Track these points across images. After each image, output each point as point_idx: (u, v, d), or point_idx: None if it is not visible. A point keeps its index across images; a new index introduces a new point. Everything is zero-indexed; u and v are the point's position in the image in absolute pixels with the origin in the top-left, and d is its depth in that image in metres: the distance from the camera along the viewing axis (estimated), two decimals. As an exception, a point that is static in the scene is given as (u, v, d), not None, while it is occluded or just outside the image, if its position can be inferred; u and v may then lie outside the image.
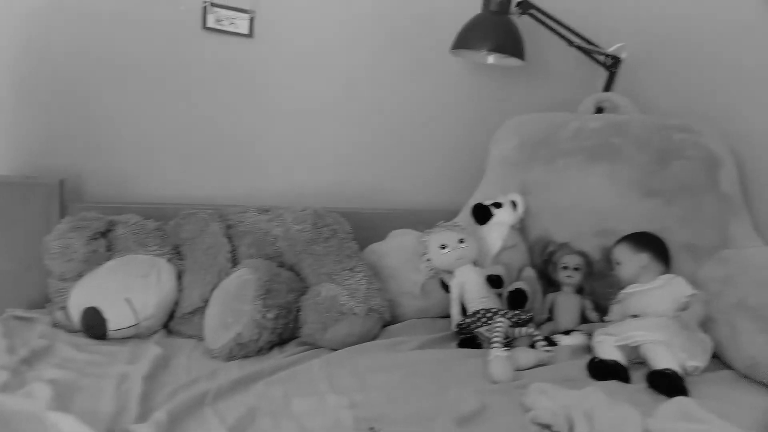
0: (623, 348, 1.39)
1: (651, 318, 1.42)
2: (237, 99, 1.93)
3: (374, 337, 1.51)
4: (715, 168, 1.71)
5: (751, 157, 1.78)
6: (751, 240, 1.66)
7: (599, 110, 2.06)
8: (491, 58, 2.06)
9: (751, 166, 1.78)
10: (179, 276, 1.55)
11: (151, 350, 1.35)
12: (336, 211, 1.76)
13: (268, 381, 1.22)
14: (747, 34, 1.81)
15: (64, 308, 1.48)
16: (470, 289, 1.58)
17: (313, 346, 1.45)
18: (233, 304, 1.40)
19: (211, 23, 1.87)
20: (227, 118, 1.93)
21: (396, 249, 1.75)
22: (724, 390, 1.32)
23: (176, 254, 1.59)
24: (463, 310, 1.60)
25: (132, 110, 1.83)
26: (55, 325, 1.47)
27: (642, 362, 1.39)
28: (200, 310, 1.48)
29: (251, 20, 1.89)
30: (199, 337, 1.46)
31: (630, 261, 1.55)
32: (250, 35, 1.90)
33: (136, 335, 1.45)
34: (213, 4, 1.84)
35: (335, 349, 1.42)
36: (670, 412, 1.08)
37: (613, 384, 1.28)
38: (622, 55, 2.17)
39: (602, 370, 1.33)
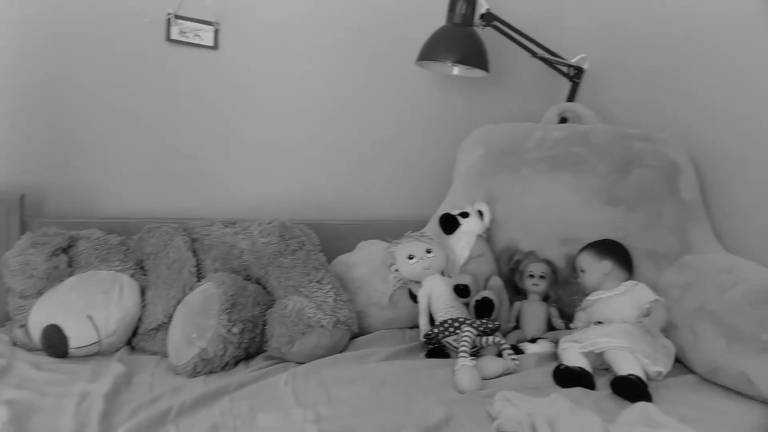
0: (588, 354, 1.42)
1: (615, 324, 1.44)
2: (202, 112, 1.91)
3: (342, 350, 1.51)
4: (675, 176, 1.75)
5: (710, 165, 1.83)
6: (711, 246, 1.70)
7: (563, 120, 2.10)
8: (456, 70, 2.08)
9: (711, 173, 1.82)
10: (143, 291, 1.52)
11: (114, 368, 1.32)
12: (304, 222, 1.76)
13: (233, 396, 1.21)
14: (705, 45, 1.86)
15: (24, 326, 1.44)
16: (438, 299, 1.58)
17: (280, 359, 1.43)
18: (197, 319, 1.38)
19: (175, 35, 1.85)
20: (192, 131, 1.91)
21: (364, 260, 1.75)
22: (686, 394, 1.34)
23: (140, 269, 1.56)
24: (432, 320, 1.60)
25: (95, 124, 1.80)
26: (15, 343, 1.44)
27: (607, 368, 1.42)
28: (164, 326, 1.46)
29: (216, 32, 1.88)
30: (164, 354, 1.44)
31: (593, 268, 1.58)
32: (215, 47, 1.89)
33: (99, 353, 1.42)
34: (177, 17, 1.82)
35: (302, 363, 1.41)
36: (631, 417, 1.09)
37: (577, 391, 1.29)
38: (585, 66, 2.22)
39: (567, 377, 1.34)
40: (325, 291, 1.54)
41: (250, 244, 1.62)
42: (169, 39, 1.84)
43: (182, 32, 1.86)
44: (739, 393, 1.33)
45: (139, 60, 1.82)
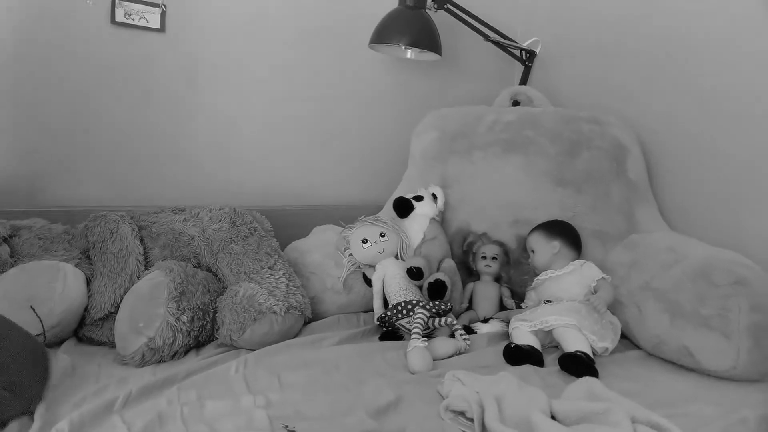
0: (538, 333, 1.44)
1: (563, 303, 1.47)
2: (149, 96, 1.86)
3: (295, 335, 1.50)
4: (623, 157, 1.79)
5: (656, 146, 1.87)
6: (656, 224, 1.75)
7: (515, 103, 2.12)
8: (409, 53, 2.08)
9: (657, 154, 1.87)
10: (88, 281, 1.48)
11: (59, 359, 1.29)
12: (257, 209, 1.74)
13: (181, 385, 1.18)
14: (653, 27, 1.89)
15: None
16: (391, 282, 1.59)
17: (232, 347, 1.42)
18: (145, 308, 1.35)
19: (120, 17, 1.80)
20: (138, 116, 1.86)
21: (318, 245, 1.74)
22: (631, 369, 1.38)
23: (85, 259, 1.52)
24: (386, 304, 1.61)
25: (37, 109, 1.74)
26: None
27: (556, 346, 1.45)
28: (112, 315, 1.43)
29: (162, 14, 1.84)
30: (111, 344, 1.41)
31: (543, 249, 1.60)
32: (161, 30, 1.84)
33: (44, 344, 1.38)
34: (122, -2, 1.77)
35: (254, 349, 1.40)
36: (576, 391, 1.12)
37: (526, 368, 1.32)
38: (537, 49, 2.24)
39: (517, 355, 1.36)
40: (277, 277, 1.53)
41: (200, 231, 1.59)
42: (113, 21, 1.79)
43: (127, 14, 1.81)
44: (681, 366, 1.37)
45: (82, 43, 1.76)
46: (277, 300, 1.45)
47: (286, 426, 0.99)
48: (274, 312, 1.42)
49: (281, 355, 1.36)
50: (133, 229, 1.54)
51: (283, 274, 1.54)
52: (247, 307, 1.40)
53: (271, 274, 1.53)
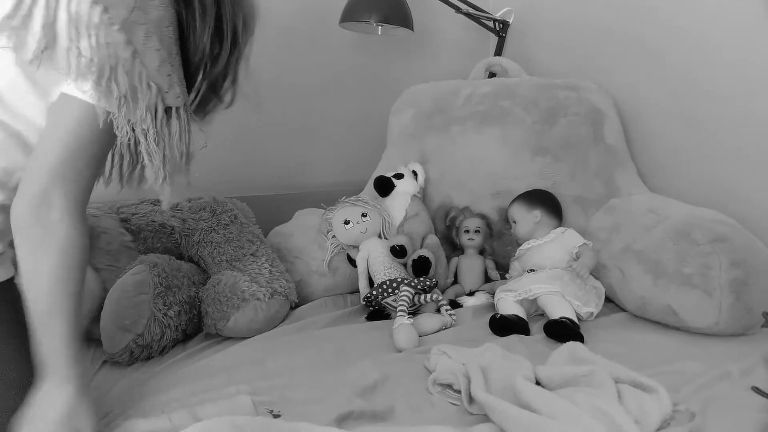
0: (523, 302, 1.45)
1: (546, 270, 1.48)
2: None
3: (281, 321, 1.50)
4: (600, 122, 1.79)
5: (632, 110, 1.87)
6: (636, 187, 1.75)
7: (492, 75, 2.11)
8: (381, 30, 2.06)
9: (633, 118, 1.87)
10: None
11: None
12: (239, 198, 1.73)
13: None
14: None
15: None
16: (375, 261, 1.59)
17: (218, 337, 1.42)
18: (130, 305, 1.34)
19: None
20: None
21: (300, 229, 1.74)
22: (617, 332, 1.39)
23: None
24: (372, 283, 1.61)
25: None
26: None
27: (542, 314, 1.46)
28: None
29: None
30: (98, 342, 1.40)
31: (524, 218, 1.61)
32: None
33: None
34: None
35: (244, 337, 1.40)
36: (560, 357, 1.13)
37: (513, 338, 1.33)
38: (510, 19, 2.23)
39: (503, 326, 1.37)
40: (260, 263, 1.52)
41: (181, 221, 1.58)
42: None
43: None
44: (666, 325, 1.39)
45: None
46: (261, 286, 1.44)
47: (271, 411, 0.99)
48: (258, 299, 1.41)
49: (266, 341, 1.36)
50: (114, 220, 1.53)
51: (266, 260, 1.53)
52: (229, 296, 1.39)
53: (254, 261, 1.52)
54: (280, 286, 1.48)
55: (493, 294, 1.54)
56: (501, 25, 2.22)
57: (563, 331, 1.30)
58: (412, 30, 1.96)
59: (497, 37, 2.24)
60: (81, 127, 0.83)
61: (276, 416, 0.98)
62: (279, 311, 1.47)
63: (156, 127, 0.85)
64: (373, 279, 1.59)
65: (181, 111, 0.89)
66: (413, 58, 2.27)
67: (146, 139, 0.85)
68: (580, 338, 1.29)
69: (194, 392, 1.09)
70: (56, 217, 0.81)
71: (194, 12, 0.89)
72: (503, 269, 1.71)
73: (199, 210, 1.59)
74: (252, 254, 1.53)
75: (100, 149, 0.87)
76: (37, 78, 0.83)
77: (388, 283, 1.50)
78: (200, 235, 1.55)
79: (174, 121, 0.88)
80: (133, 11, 0.80)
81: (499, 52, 2.23)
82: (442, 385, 1.10)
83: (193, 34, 0.90)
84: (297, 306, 1.58)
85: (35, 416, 0.83)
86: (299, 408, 1.01)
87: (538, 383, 1.03)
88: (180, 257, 1.55)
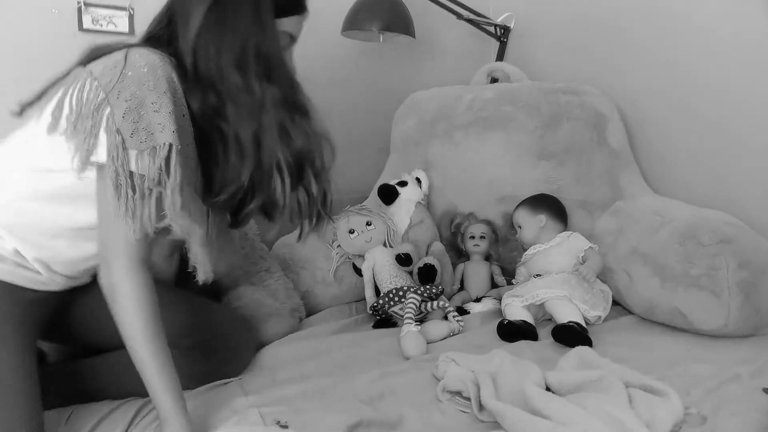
0: (530, 307, 1.45)
1: (553, 275, 1.48)
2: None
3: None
4: (603, 126, 1.79)
5: (635, 113, 1.87)
6: (641, 190, 1.75)
7: (494, 80, 2.11)
8: (382, 38, 2.06)
9: (636, 120, 1.87)
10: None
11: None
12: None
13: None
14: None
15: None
16: (381, 270, 1.59)
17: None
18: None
19: (87, 25, 1.77)
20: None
21: (306, 239, 1.73)
22: (625, 335, 1.39)
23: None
24: (378, 292, 1.61)
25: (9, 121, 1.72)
26: None
27: (549, 318, 1.45)
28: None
29: (130, 17, 1.81)
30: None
31: (529, 223, 1.60)
32: (131, 33, 1.82)
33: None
34: (87, 4, 1.75)
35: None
36: (569, 362, 1.12)
37: (521, 344, 1.32)
38: (511, 25, 2.23)
39: (511, 331, 1.37)
40: (275, 279, 1.54)
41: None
42: (81, 29, 1.76)
43: (95, 20, 1.79)
44: (674, 328, 1.38)
45: (51, 53, 1.73)
46: (281, 303, 1.47)
47: (278, 421, 0.99)
48: (279, 315, 1.44)
49: (275, 350, 1.36)
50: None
51: (279, 276, 1.56)
52: (254, 311, 1.41)
53: (269, 276, 1.54)
54: (295, 303, 1.51)
55: (500, 300, 1.54)
56: (502, 31, 2.22)
57: (571, 335, 1.30)
58: (414, 37, 1.97)
59: (499, 43, 2.24)
60: None
61: (284, 427, 0.98)
62: (294, 327, 1.49)
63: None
64: (380, 288, 1.59)
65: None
66: (415, 65, 2.28)
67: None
68: (588, 342, 1.28)
69: (204, 403, 1.09)
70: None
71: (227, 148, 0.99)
72: (509, 275, 1.71)
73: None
74: (266, 270, 1.54)
75: None
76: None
77: (394, 291, 1.50)
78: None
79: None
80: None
81: (500, 57, 2.23)
82: (451, 392, 1.10)
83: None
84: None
85: None
86: (308, 418, 1.01)
87: (547, 389, 1.03)
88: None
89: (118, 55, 0.92)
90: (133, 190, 0.90)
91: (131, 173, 0.90)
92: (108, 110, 0.89)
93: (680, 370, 1.15)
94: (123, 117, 0.89)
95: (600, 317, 1.43)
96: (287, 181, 1.03)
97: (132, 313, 0.93)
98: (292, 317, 1.48)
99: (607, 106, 1.82)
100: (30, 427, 0.92)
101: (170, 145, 0.90)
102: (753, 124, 1.56)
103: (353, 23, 1.91)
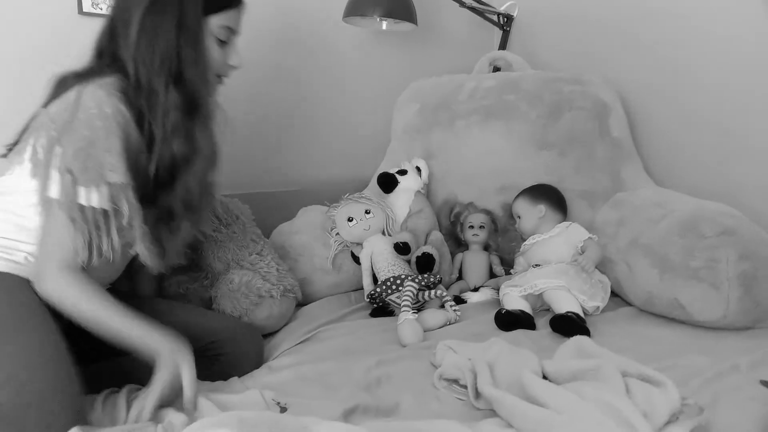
0: (528, 297, 1.44)
1: (551, 265, 1.47)
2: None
3: (290, 319, 1.50)
4: (605, 116, 1.77)
5: (637, 103, 1.86)
6: (642, 181, 1.74)
7: (496, 69, 2.09)
8: (384, 24, 2.05)
9: (638, 111, 1.86)
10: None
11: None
12: (241, 195, 1.71)
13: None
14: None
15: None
16: (379, 258, 1.58)
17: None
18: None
19: (87, 8, 1.75)
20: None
21: (304, 227, 1.73)
22: (623, 326, 1.38)
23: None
24: (376, 280, 1.60)
25: (8, 107, 1.70)
26: None
27: (548, 309, 1.45)
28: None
29: (129, 2, 1.79)
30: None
31: (529, 213, 1.60)
32: (129, 18, 1.80)
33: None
34: (87, -13, 1.73)
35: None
36: (566, 351, 1.12)
37: (518, 333, 1.32)
38: (514, 13, 2.22)
39: (509, 321, 1.36)
40: (267, 262, 1.52)
41: None
42: (81, 12, 1.74)
43: (95, 4, 1.77)
44: (673, 320, 1.38)
45: (50, 36, 1.72)
46: (272, 284, 1.45)
47: (278, 402, 0.99)
48: (272, 296, 1.43)
49: (272, 338, 1.36)
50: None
51: (272, 258, 1.54)
52: (246, 293, 1.40)
53: (261, 260, 1.52)
54: (289, 284, 1.49)
55: (498, 290, 1.54)
56: (505, 19, 2.21)
57: (569, 325, 1.30)
58: (416, 24, 1.95)
59: (501, 31, 2.23)
60: None
61: (283, 409, 0.98)
62: (289, 308, 1.49)
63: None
64: (377, 276, 1.59)
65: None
66: (417, 53, 2.26)
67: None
68: (586, 333, 1.28)
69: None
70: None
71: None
72: (508, 265, 1.70)
73: (201, 210, 1.58)
74: (258, 253, 1.53)
75: None
76: None
77: (392, 279, 1.50)
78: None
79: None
80: None
81: (503, 46, 2.22)
82: (448, 380, 1.10)
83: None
84: (301, 304, 1.58)
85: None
86: (305, 403, 1.00)
87: (545, 377, 1.02)
88: None
89: (72, 96, 1.01)
90: (85, 223, 0.99)
91: (82, 207, 0.98)
92: (60, 150, 0.98)
93: (678, 361, 1.14)
94: (73, 156, 0.97)
95: (598, 308, 1.43)
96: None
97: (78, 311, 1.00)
98: (285, 298, 1.46)
99: (610, 95, 1.81)
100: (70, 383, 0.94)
101: (122, 184, 1.00)
102: (756, 116, 1.55)
103: (355, 9, 1.89)
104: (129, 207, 1.01)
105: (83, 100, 0.99)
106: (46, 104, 1.10)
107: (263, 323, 1.42)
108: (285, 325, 1.47)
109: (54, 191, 0.98)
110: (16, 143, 1.12)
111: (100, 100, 0.99)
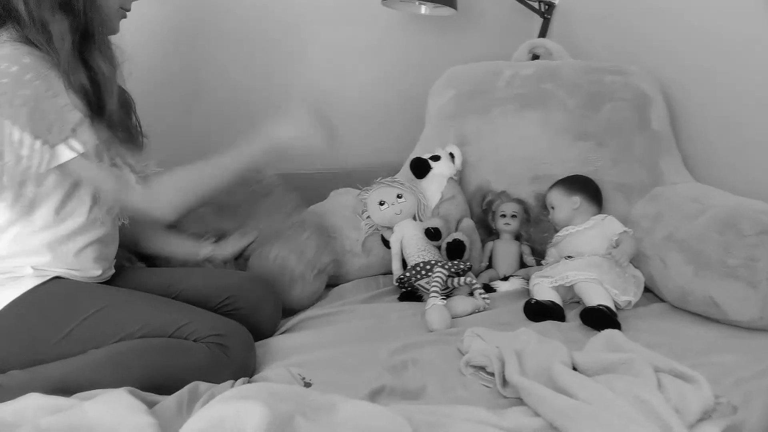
0: (559, 288, 1.43)
1: (584, 257, 1.45)
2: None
3: (320, 297, 1.53)
4: (646, 107, 1.73)
5: (680, 96, 1.81)
6: (681, 176, 1.70)
7: (535, 57, 2.06)
8: (424, 9, 2.03)
9: (681, 104, 1.81)
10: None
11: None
12: (275, 174, 1.73)
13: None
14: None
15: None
16: (409, 243, 1.58)
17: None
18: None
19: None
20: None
21: (336, 208, 1.73)
22: (654, 322, 1.36)
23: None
24: (405, 265, 1.60)
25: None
26: None
27: (578, 301, 1.43)
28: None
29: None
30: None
31: (563, 204, 1.57)
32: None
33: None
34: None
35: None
36: (597, 344, 1.11)
37: (547, 324, 1.31)
38: (556, 1, 2.17)
39: (538, 311, 1.35)
40: (305, 237, 1.53)
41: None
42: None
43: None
44: (706, 318, 1.35)
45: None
46: (306, 265, 1.47)
47: (303, 378, 1.00)
48: (304, 278, 1.45)
49: (300, 316, 1.37)
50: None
51: (311, 231, 1.55)
52: (281, 272, 1.43)
53: (299, 233, 1.53)
54: (323, 264, 1.51)
55: (528, 280, 1.52)
56: (546, 7, 2.17)
57: (600, 318, 1.28)
58: (456, 9, 1.93)
59: (542, 19, 2.19)
60: None
61: (307, 385, 0.99)
62: (320, 287, 1.52)
63: None
64: (407, 261, 1.58)
65: None
66: (455, 38, 2.23)
67: None
68: (617, 326, 1.26)
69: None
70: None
71: None
72: (539, 255, 1.68)
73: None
74: (297, 225, 1.54)
75: None
76: None
77: (421, 265, 1.49)
78: (239, 211, 1.56)
79: None
80: None
81: (543, 33, 2.18)
82: (474, 367, 1.10)
83: None
84: (330, 285, 1.59)
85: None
86: (331, 381, 1.02)
87: (574, 369, 1.02)
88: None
89: None
90: (99, 156, 1.05)
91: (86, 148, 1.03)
92: (8, 122, 0.98)
93: (710, 359, 1.13)
94: (29, 120, 0.98)
95: (630, 302, 1.41)
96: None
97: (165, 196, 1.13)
98: (316, 279, 1.49)
99: (652, 87, 1.76)
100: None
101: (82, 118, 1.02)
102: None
103: (395, -8, 1.88)
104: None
105: None
106: None
107: (297, 301, 1.45)
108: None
109: (61, 158, 1.02)
110: None
111: (10, 56, 0.99)
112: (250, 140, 1.19)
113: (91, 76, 1.06)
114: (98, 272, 1.17)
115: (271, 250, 1.47)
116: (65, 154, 1.02)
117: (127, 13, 1.18)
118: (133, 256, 1.44)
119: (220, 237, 1.52)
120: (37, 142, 0.99)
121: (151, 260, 1.47)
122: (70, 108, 1.01)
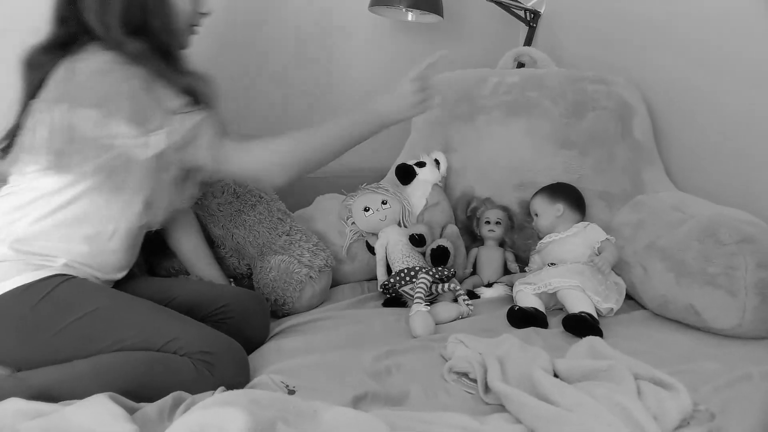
0: (542, 295, 1.44)
1: (567, 265, 1.46)
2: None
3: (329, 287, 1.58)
4: (629, 117, 1.76)
5: (662, 106, 1.83)
6: (663, 185, 1.72)
7: (520, 65, 2.08)
8: (410, 15, 2.04)
9: (663, 114, 1.83)
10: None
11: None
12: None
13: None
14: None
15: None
16: (394, 249, 1.58)
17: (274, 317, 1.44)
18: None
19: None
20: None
21: (321, 214, 1.74)
22: (636, 329, 1.38)
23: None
24: (390, 271, 1.61)
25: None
26: None
27: (561, 308, 1.44)
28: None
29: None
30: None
31: (546, 212, 1.59)
32: None
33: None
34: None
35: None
36: (579, 351, 1.12)
37: (530, 330, 1.32)
38: (541, 9, 2.20)
39: (521, 318, 1.36)
40: (298, 243, 1.55)
41: (200, 207, 1.57)
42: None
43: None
44: (687, 325, 1.37)
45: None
46: (308, 266, 1.49)
47: (287, 385, 1.00)
48: (311, 277, 1.48)
49: (283, 323, 1.37)
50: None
51: (301, 237, 1.57)
52: (286, 280, 1.45)
53: (291, 242, 1.55)
54: (322, 260, 1.53)
55: (512, 286, 1.53)
56: (532, 15, 2.19)
57: (582, 325, 1.29)
58: (442, 16, 1.94)
59: (527, 27, 2.21)
60: None
61: (291, 392, 0.99)
62: (328, 281, 1.56)
63: None
64: (391, 267, 1.58)
65: None
66: (441, 45, 2.24)
67: None
68: (599, 334, 1.27)
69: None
70: None
71: None
72: (523, 262, 1.69)
73: (222, 194, 1.58)
74: (287, 234, 1.55)
75: None
76: None
77: (406, 271, 1.50)
78: (227, 219, 1.55)
79: None
80: None
81: (528, 42, 2.20)
82: (457, 373, 1.10)
83: None
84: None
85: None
86: (315, 387, 1.01)
87: (555, 376, 1.02)
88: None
89: (63, 73, 1.07)
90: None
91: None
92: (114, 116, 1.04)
93: (689, 367, 1.14)
94: (134, 113, 1.04)
95: (612, 310, 1.42)
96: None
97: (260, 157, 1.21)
98: (323, 274, 1.52)
99: (635, 97, 1.79)
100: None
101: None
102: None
103: (381, -1, 1.89)
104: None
105: (82, 67, 1.04)
106: (28, 91, 1.12)
107: (308, 303, 1.48)
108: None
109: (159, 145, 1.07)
110: (10, 143, 1.13)
111: (98, 61, 1.05)
112: (358, 113, 1.29)
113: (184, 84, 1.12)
114: (119, 275, 1.20)
115: (271, 260, 1.48)
116: (165, 139, 1.07)
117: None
118: (143, 265, 1.45)
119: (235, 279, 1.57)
120: (140, 132, 1.05)
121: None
122: (170, 96, 1.07)
